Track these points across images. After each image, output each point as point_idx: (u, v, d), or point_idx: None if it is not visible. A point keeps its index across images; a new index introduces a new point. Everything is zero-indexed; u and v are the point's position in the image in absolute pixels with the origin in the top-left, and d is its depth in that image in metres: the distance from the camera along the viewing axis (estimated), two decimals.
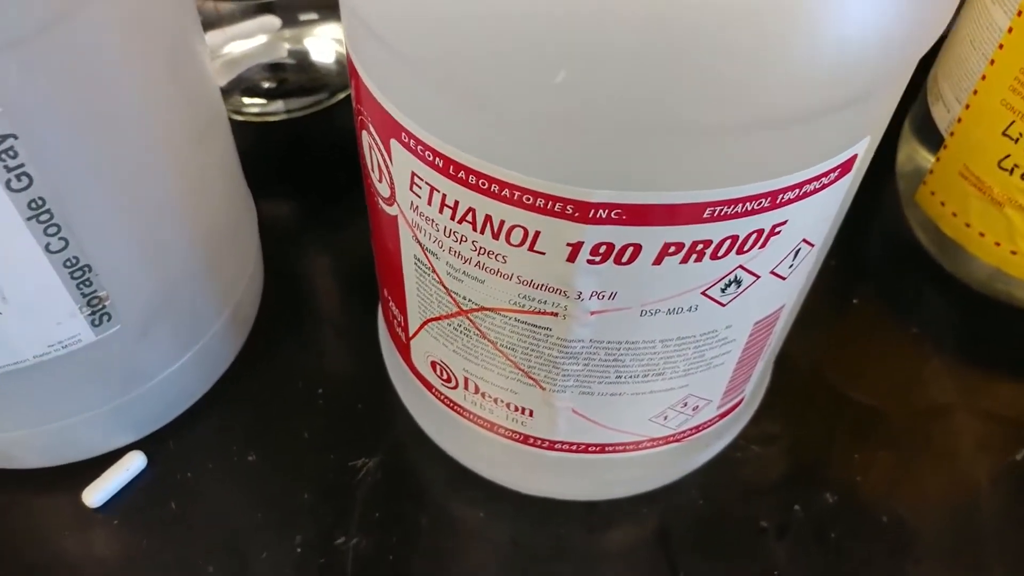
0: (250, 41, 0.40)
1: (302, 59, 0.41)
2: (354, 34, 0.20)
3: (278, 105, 0.40)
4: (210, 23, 0.38)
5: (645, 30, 0.15)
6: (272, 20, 0.40)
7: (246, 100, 0.39)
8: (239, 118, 0.40)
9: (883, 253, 0.36)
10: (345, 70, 0.41)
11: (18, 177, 0.21)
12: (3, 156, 0.20)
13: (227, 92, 0.40)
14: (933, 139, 0.33)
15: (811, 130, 0.17)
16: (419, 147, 0.19)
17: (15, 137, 0.20)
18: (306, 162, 0.39)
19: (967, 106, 0.30)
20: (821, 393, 0.32)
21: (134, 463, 0.29)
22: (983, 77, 0.29)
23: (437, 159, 0.19)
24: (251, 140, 0.39)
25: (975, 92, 0.30)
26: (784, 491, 0.29)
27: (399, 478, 0.29)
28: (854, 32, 0.16)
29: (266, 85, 0.40)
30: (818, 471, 0.30)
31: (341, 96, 0.40)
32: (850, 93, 0.17)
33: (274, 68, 0.40)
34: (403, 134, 0.19)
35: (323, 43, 0.41)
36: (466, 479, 0.29)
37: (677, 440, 0.26)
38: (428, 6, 0.16)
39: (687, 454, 0.28)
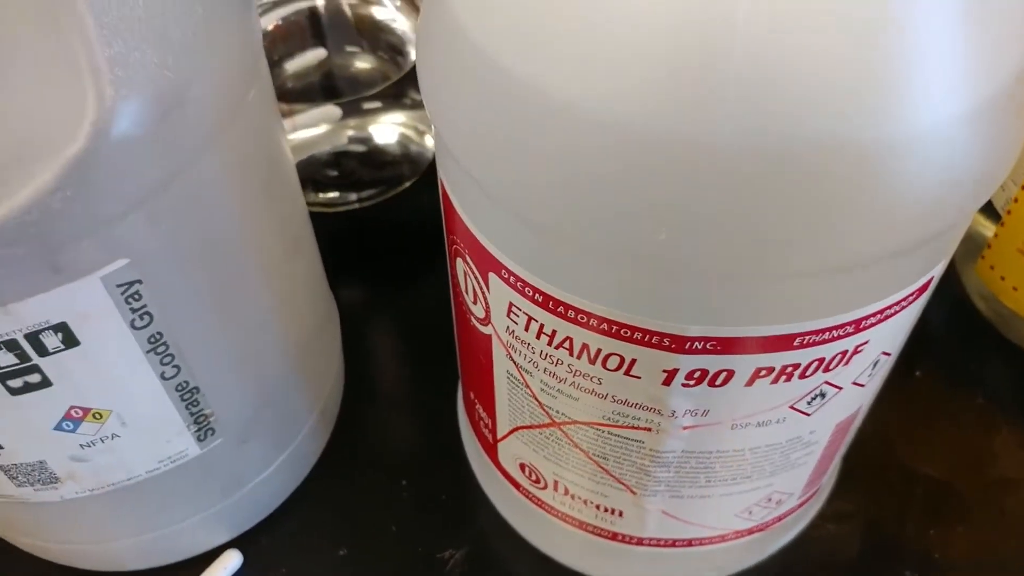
0: (313, 130, 0.42)
1: (367, 146, 0.42)
2: (451, 174, 0.21)
3: (348, 196, 0.41)
4: None
5: (739, 190, 0.16)
6: (333, 110, 0.42)
7: (319, 195, 0.41)
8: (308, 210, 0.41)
9: (942, 322, 0.37)
10: (410, 157, 0.42)
11: (141, 316, 0.22)
12: (129, 300, 0.22)
13: None
14: (989, 209, 0.34)
15: (891, 267, 0.18)
16: (518, 283, 0.20)
17: (140, 282, 0.21)
18: (375, 249, 0.40)
19: (1023, 187, 0.31)
20: (892, 468, 0.32)
21: (232, 561, 0.30)
22: None
23: (536, 295, 0.20)
24: (319, 231, 0.40)
25: None
26: (862, 569, 0.30)
27: (486, 569, 0.30)
28: (933, 183, 0.17)
29: (332, 174, 0.41)
30: (895, 548, 0.30)
31: (407, 184, 0.42)
32: (928, 235, 0.18)
33: (340, 157, 0.42)
34: (503, 271, 0.20)
35: (387, 129, 0.42)
36: (552, 570, 0.30)
37: (760, 530, 0.27)
38: (527, 158, 0.18)
39: (768, 540, 0.29)
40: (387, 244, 0.40)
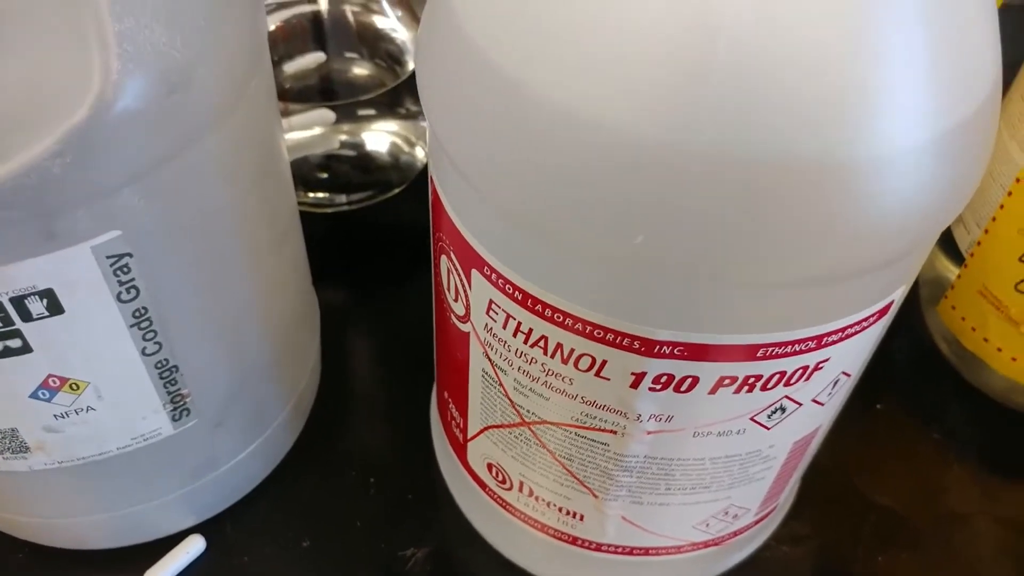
0: (306, 132, 0.43)
1: (358, 151, 0.43)
2: (442, 172, 0.22)
3: (337, 197, 0.42)
4: None
5: (714, 199, 0.17)
6: (327, 114, 0.42)
7: (309, 195, 0.42)
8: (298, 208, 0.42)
9: (905, 358, 0.38)
10: (399, 166, 0.43)
11: (128, 290, 0.23)
12: (118, 272, 0.22)
13: None
14: (953, 252, 0.35)
15: (854, 286, 0.19)
16: (499, 280, 0.21)
17: (130, 256, 0.22)
18: (359, 252, 0.41)
19: (986, 231, 0.32)
20: (847, 496, 0.33)
21: (194, 546, 0.30)
22: (1001, 206, 0.31)
23: (516, 292, 0.21)
24: (306, 230, 0.41)
25: (993, 219, 0.32)
26: None
27: (446, 570, 0.30)
28: (897, 204, 0.18)
29: (322, 176, 0.42)
30: (844, 573, 0.31)
31: (396, 191, 0.42)
32: (890, 256, 0.19)
33: (331, 160, 0.42)
34: (485, 267, 0.21)
35: (379, 137, 0.43)
36: (512, 573, 0.30)
37: (716, 544, 0.27)
38: (518, 158, 0.18)
39: (723, 555, 0.29)
40: (372, 248, 0.41)
